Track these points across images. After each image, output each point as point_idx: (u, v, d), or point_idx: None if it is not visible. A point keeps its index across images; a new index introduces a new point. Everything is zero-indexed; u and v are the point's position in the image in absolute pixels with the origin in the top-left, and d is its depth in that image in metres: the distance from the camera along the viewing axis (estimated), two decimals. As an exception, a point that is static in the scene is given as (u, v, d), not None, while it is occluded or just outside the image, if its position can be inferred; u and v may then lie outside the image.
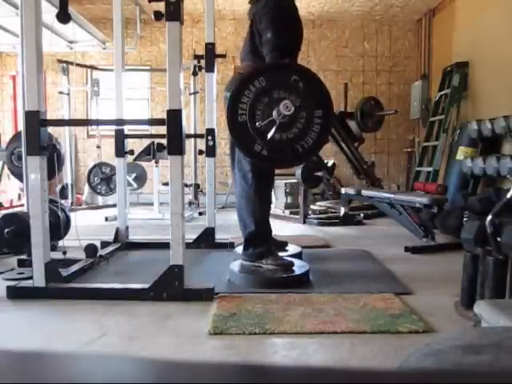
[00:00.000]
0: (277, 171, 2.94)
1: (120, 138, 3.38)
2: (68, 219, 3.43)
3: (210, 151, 3.54)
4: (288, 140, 2.01)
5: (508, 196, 2.28)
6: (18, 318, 2.06)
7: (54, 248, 2.93)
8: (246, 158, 2.52)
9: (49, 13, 3.01)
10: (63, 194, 5.53)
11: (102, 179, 6.01)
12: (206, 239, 3.54)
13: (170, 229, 2.22)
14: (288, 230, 4.34)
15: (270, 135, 2.02)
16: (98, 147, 6.32)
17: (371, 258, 3.20)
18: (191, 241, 3.41)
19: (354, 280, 2.62)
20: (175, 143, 2.18)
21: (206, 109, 3.64)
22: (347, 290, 2.39)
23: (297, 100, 2.04)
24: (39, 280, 2.26)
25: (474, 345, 0.61)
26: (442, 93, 5.55)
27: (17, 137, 4.24)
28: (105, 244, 3.35)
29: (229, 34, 7.07)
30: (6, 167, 4.57)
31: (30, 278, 2.32)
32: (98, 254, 2.95)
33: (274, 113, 2.04)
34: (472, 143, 4.74)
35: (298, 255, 2.97)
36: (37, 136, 2.20)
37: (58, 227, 2.97)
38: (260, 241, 2.62)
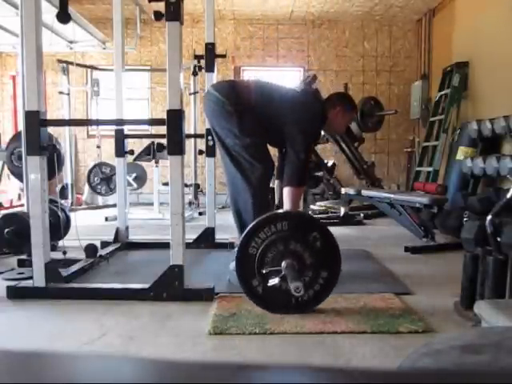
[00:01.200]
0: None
1: (120, 138, 3.38)
2: (68, 219, 3.43)
3: (210, 151, 3.54)
4: (286, 290, 1.99)
5: (508, 196, 2.28)
6: (18, 317, 2.06)
7: (54, 248, 2.93)
8: (246, 160, 2.53)
9: (49, 13, 3.01)
10: (63, 194, 5.53)
11: (102, 179, 6.01)
12: (206, 239, 3.54)
13: (170, 229, 2.22)
14: (288, 230, 4.33)
15: (271, 283, 1.99)
16: (98, 147, 6.32)
17: (371, 258, 3.20)
18: (191, 241, 3.41)
19: (354, 280, 2.61)
20: (175, 143, 2.18)
21: (206, 109, 3.63)
22: (347, 290, 2.39)
23: (309, 258, 2.02)
24: (39, 280, 2.26)
25: (474, 345, 0.61)
26: (442, 93, 5.55)
27: (17, 137, 4.24)
28: (105, 244, 3.35)
29: (229, 34, 7.07)
30: (6, 167, 4.57)
31: (30, 277, 2.32)
32: (98, 254, 2.95)
33: (283, 264, 2.01)
34: (472, 143, 4.74)
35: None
36: (37, 136, 2.20)
37: (58, 227, 2.97)
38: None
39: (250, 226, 2.15)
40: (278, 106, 2.62)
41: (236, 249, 2.14)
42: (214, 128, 2.67)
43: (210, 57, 3.51)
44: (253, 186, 2.54)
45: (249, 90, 2.65)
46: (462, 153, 4.80)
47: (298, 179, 2.57)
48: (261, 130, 2.65)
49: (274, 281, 1.99)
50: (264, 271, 2.02)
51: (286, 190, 2.57)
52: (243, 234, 2.14)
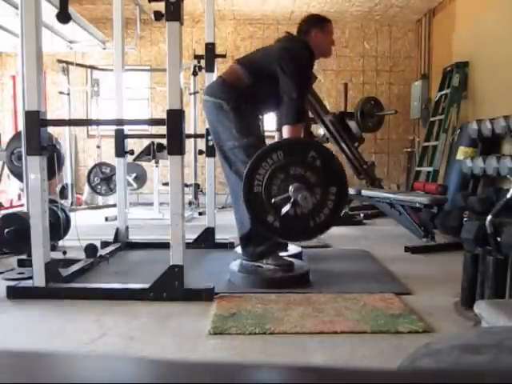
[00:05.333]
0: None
1: (120, 138, 3.39)
2: (68, 219, 3.42)
3: (210, 151, 3.54)
4: (301, 215, 2.01)
5: (508, 196, 2.28)
6: (17, 317, 2.06)
7: (53, 248, 2.93)
8: (242, 161, 2.52)
9: (49, 13, 3.01)
10: (63, 193, 5.53)
11: (102, 179, 6.01)
12: (206, 239, 3.54)
13: (170, 229, 2.22)
14: (288, 230, 4.33)
15: (284, 211, 2.01)
16: (98, 147, 6.32)
17: (371, 258, 3.20)
18: (191, 241, 3.40)
19: (354, 280, 2.61)
20: (175, 143, 2.18)
21: (206, 109, 3.63)
22: (347, 289, 2.39)
23: (313, 177, 2.04)
24: (39, 280, 2.26)
25: (474, 345, 0.61)
26: (442, 93, 5.55)
27: (17, 137, 4.24)
28: (105, 244, 3.35)
29: (229, 34, 7.07)
30: (6, 167, 4.57)
31: (30, 278, 2.32)
32: (98, 254, 2.95)
33: (291, 188, 2.02)
34: (472, 143, 4.74)
35: (298, 255, 2.97)
36: (37, 136, 2.20)
37: (58, 227, 2.97)
38: (259, 240, 2.61)
39: (248, 165, 2.18)
40: (266, 62, 2.61)
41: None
42: (216, 133, 2.65)
43: (209, 57, 3.51)
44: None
45: (236, 71, 2.65)
46: (461, 153, 4.79)
47: (292, 116, 2.52)
48: (259, 129, 2.65)
49: (285, 208, 1.99)
50: (273, 200, 2.02)
51: (284, 129, 2.54)
52: (244, 173, 2.17)
